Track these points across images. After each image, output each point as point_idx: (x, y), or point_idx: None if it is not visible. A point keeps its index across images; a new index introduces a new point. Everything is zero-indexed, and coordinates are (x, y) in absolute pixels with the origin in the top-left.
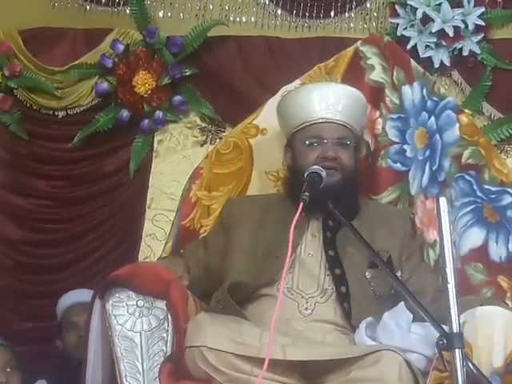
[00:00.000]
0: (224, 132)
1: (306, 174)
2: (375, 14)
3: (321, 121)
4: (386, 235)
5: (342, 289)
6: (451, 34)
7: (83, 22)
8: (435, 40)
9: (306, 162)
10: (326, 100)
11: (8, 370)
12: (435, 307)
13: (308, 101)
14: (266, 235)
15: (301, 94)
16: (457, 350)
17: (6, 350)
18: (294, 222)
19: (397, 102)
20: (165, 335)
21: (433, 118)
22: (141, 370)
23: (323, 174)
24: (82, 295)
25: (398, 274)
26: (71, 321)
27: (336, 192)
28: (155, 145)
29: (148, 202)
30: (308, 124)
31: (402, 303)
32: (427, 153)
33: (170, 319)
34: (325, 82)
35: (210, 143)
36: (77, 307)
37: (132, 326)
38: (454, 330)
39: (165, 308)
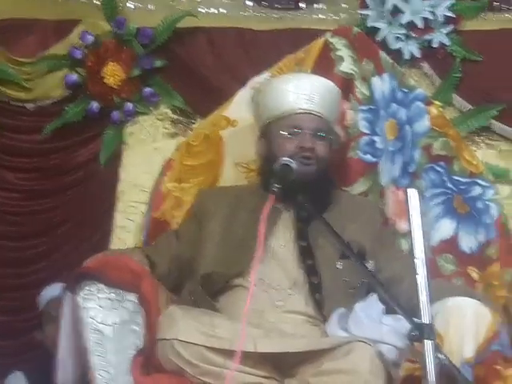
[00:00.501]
0: (195, 124)
1: (277, 166)
2: (345, 5)
3: (299, 111)
4: (358, 226)
5: (313, 279)
6: (421, 26)
7: (52, 13)
8: (405, 31)
9: (284, 151)
10: (302, 91)
11: None
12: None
13: (285, 91)
14: (238, 226)
15: (277, 84)
16: (428, 341)
17: None
18: (264, 214)
19: (367, 93)
20: (136, 328)
21: (403, 110)
22: (113, 362)
23: (293, 165)
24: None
25: (372, 263)
26: (51, 314)
27: (309, 183)
28: (126, 137)
29: (119, 195)
30: (286, 114)
31: (375, 295)
32: (397, 144)
33: (141, 312)
34: (301, 73)
35: (182, 135)
36: (58, 301)
37: (103, 318)
38: (425, 321)
39: (136, 301)
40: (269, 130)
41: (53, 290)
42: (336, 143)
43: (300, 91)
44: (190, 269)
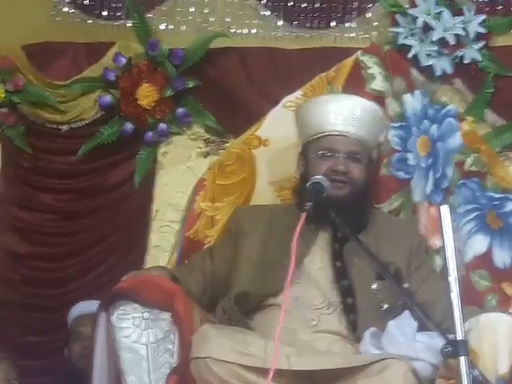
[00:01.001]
0: (227, 143)
1: (308, 184)
2: (376, 23)
3: (334, 133)
4: (393, 247)
5: (348, 300)
6: (452, 42)
7: (85, 36)
8: (436, 48)
9: (317, 172)
10: (341, 112)
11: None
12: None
13: (324, 112)
14: (273, 245)
15: (317, 105)
16: (462, 357)
17: (9, 363)
18: (297, 233)
19: (398, 110)
20: (171, 347)
21: (434, 126)
22: (147, 381)
23: (326, 183)
24: (90, 306)
25: (407, 285)
26: (77, 330)
27: (344, 205)
28: (159, 157)
29: (153, 214)
30: (322, 135)
31: (407, 311)
32: (430, 160)
33: (175, 331)
34: (342, 94)
35: (214, 154)
36: (84, 318)
37: (138, 338)
38: (459, 338)
39: (170, 320)
40: (307, 148)
41: (80, 308)
42: (376, 165)
43: (338, 112)
44: (225, 286)
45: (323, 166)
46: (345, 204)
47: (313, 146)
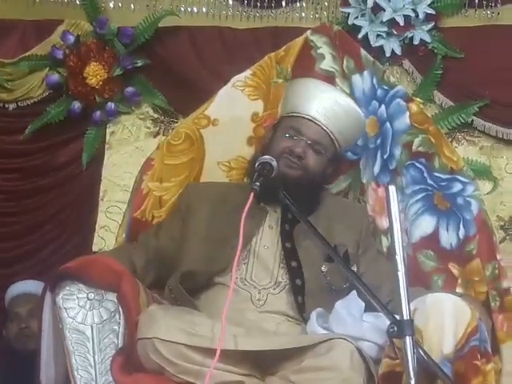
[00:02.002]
0: (177, 123)
1: (256, 164)
2: (326, 3)
3: (307, 117)
4: (344, 229)
5: (297, 281)
6: (402, 23)
7: (33, 14)
8: (386, 29)
9: (274, 148)
10: (325, 102)
11: None
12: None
13: (311, 95)
14: (222, 222)
15: (309, 87)
16: (407, 337)
17: None
18: (245, 212)
19: (347, 90)
20: (116, 328)
21: (383, 107)
22: (92, 362)
23: (273, 163)
24: (27, 286)
25: (354, 268)
26: (14, 311)
27: (294, 185)
28: (108, 136)
29: (101, 194)
30: (297, 115)
31: (354, 292)
32: (378, 141)
33: (121, 311)
34: (338, 90)
35: (163, 134)
36: (21, 298)
37: (83, 318)
38: (405, 317)
39: (116, 300)
40: (279, 122)
41: (17, 288)
42: (333, 166)
43: (323, 101)
44: (172, 264)
45: (284, 144)
46: (295, 184)
47: (284, 122)
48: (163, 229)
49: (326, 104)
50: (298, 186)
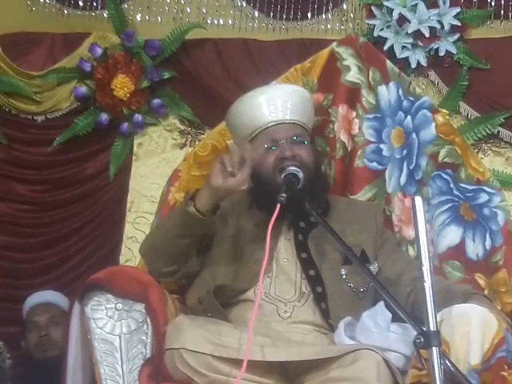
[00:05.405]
0: (203, 134)
1: (282, 176)
2: (352, 15)
3: (271, 124)
4: (358, 229)
5: (318, 289)
6: (427, 35)
7: (61, 27)
8: (411, 41)
9: (265, 165)
10: (273, 102)
11: None
12: (411, 302)
13: (256, 107)
14: (244, 238)
15: (248, 102)
16: (434, 348)
17: None
18: (270, 225)
19: (373, 102)
20: (144, 338)
21: (409, 118)
22: (120, 372)
23: (300, 174)
24: (46, 296)
25: (376, 265)
26: (33, 320)
27: (306, 192)
28: (135, 148)
29: (128, 205)
30: (260, 130)
31: (382, 303)
32: (404, 152)
33: (149, 322)
34: (269, 85)
35: (190, 146)
36: (39, 307)
37: (111, 329)
38: (431, 328)
39: (144, 311)
40: (250, 149)
41: (35, 298)
42: (314, 149)
43: (271, 103)
44: (197, 272)
45: (270, 157)
46: (306, 190)
47: (256, 143)
48: None
49: (276, 102)
50: (307, 190)
